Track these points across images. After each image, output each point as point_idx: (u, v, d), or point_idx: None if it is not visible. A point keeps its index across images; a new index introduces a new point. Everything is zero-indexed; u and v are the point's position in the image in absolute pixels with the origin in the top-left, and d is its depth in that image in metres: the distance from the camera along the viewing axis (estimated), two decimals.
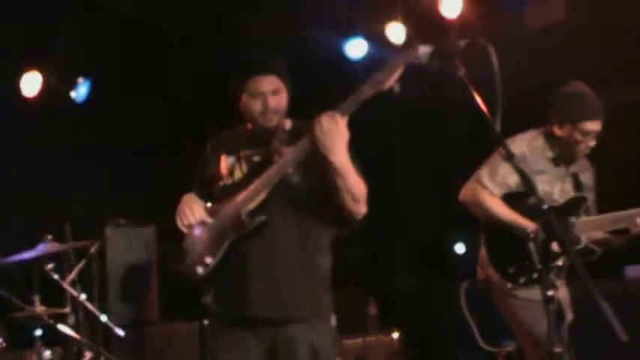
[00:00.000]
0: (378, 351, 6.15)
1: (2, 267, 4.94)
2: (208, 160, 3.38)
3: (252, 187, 3.17)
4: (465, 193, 4.10)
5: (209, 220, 3.23)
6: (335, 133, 3.02)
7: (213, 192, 3.30)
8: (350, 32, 6.30)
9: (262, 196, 3.16)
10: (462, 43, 2.75)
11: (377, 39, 6.34)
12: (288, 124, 3.28)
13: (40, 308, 4.89)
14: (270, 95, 3.22)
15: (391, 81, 3.02)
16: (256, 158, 3.27)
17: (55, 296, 5.22)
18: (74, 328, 5.09)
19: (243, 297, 3.19)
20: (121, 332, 5.04)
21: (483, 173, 4.02)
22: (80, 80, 6.47)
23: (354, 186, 3.14)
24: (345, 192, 3.12)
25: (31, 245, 4.99)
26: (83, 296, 5.10)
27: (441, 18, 5.98)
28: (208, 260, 3.23)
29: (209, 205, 3.28)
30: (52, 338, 4.97)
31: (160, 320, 5.95)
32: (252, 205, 3.16)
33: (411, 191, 6.94)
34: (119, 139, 6.44)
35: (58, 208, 6.08)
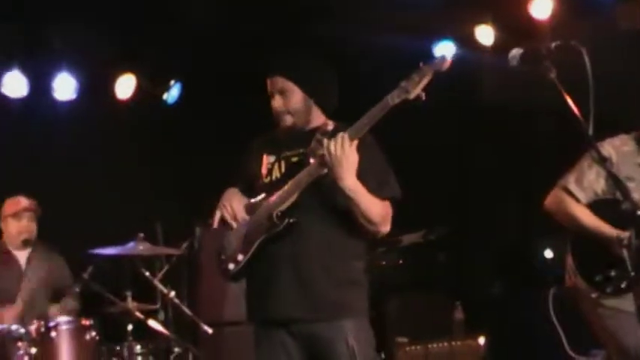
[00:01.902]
0: (464, 356, 6.08)
1: (97, 264, 5.07)
2: (252, 157, 3.43)
3: (285, 188, 3.20)
4: (549, 202, 4.00)
5: (246, 217, 3.27)
6: (341, 159, 3.03)
7: (255, 190, 3.34)
8: (439, 35, 6.26)
9: (294, 197, 3.19)
10: (553, 44, 2.72)
11: (466, 41, 6.29)
12: (330, 125, 3.29)
13: (131, 304, 5.02)
14: (276, 96, 3.28)
15: (418, 90, 3.01)
16: (294, 159, 3.30)
17: (146, 293, 5.35)
18: (164, 324, 5.21)
19: (273, 297, 3.23)
20: (208, 330, 5.13)
21: (570, 179, 3.92)
22: (172, 82, 6.61)
23: (367, 209, 3.14)
24: (358, 214, 3.14)
25: (123, 243, 5.13)
26: (173, 293, 5.20)
27: (532, 19, 5.90)
28: (239, 257, 3.28)
29: (249, 201, 3.31)
30: (143, 333, 5.09)
31: (247, 319, 6.03)
32: (284, 206, 3.19)
33: (499, 196, 6.85)
34: (210, 139, 6.55)
35: (150, 207, 6.24)
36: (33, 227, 5.57)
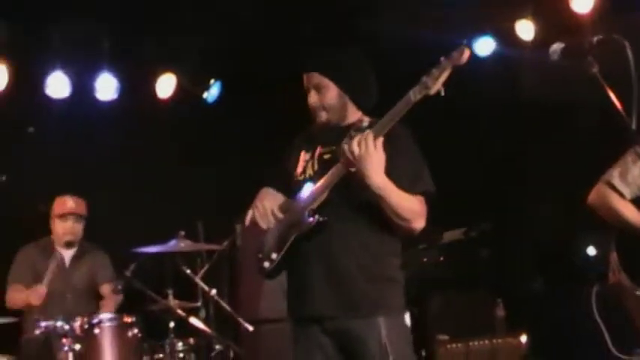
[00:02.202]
0: (505, 354, 6.04)
1: (139, 261, 5.12)
2: (291, 154, 3.44)
3: (317, 186, 3.21)
4: (593, 197, 3.94)
5: (280, 215, 3.27)
6: (366, 157, 3.02)
7: (292, 187, 3.34)
8: (478, 30, 6.22)
9: (325, 195, 3.19)
10: (595, 39, 2.68)
11: (506, 37, 6.24)
12: (366, 121, 3.27)
13: (173, 302, 5.07)
14: (311, 91, 3.28)
15: (439, 84, 2.99)
16: (326, 156, 3.30)
17: (187, 290, 5.39)
18: (205, 321, 5.25)
19: (305, 295, 3.23)
20: (249, 327, 5.15)
21: (614, 174, 3.86)
22: (212, 81, 6.64)
23: (397, 206, 3.11)
24: (389, 211, 3.12)
25: (165, 241, 5.18)
26: (214, 291, 5.23)
27: (573, 14, 5.83)
28: (274, 256, 3.29)
29: (285, 200, 3.32)
30: (184, 330, 5.13)
31: (288, 317, 6.04)
32: (315, 204, 3.19)
33: (542, 192, 6.78)
34: (250, 138, 6.58)
35: (191, 205, 6.29)
36: (78, 229, 5.65)
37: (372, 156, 3.02)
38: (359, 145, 3.02)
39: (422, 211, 3.18)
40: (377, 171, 3.04)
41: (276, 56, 6.03)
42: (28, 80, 6.09)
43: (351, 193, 3.17)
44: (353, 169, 3.10)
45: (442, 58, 2.99)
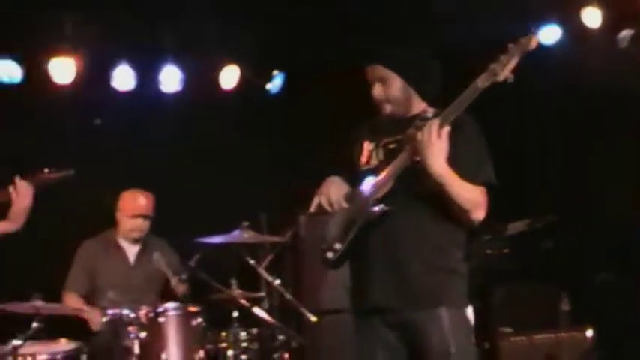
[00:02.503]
0: (570, 348, 5.95)
1: (203, 252, 5.18)
2: (354, 145, 3.43)
3: (381, 176, 3.19)
4: None
5: (345, 205, 3.26)
6: (429, 145, 3.02)
7: (356, 178, 3.34)
8: (544, 19, 6.12)
9: (389, 185, 3.17)
10: None
11: (571, 25, 6.12)
12: (430, 111, 3.27)
13: (236, 291, 5.12)
14: (375, 84, 3.27)
15: (506, 71, 2.97)
16: (391, 146, 3.28)
17: (250, 281, 5.43)
18: (268, 311, 5.28)
19: (369, 285, 3.22)
20: (312, 318, 5.17)
21: None
22: (275, 72, 6.67)
23: (458, 195, 3.10)
24: (450, 201, 3.10)
25: (229, 231, 5.22)
26: (277, 281, 5.26)
27: None
28: (337, 246, 3.28)
29: (349, 190, 3.31)
30: (248, 320, 5.17)
31: (350, 308, 6.03)
32: (380, 194, 3.18)
33: (608, 182, 6.65)
34: (313, 129, 6.58)
35: (254, 196, 6.33)
36: (146, 226, 5.69)
37: (434, 144, 3.02)
38: (425, 132, 3.03)
39: (482, 203, 3.17)
40: (438, 159, 3.04)
41: (339, 47, 6.01)
42: (94, 73, 6.19)
43: (416, 183, 3.16)
44: (418, 159, 3.09)
45: (510, 45, 2.97)
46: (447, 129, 3.03)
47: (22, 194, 4.01)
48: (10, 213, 4.03)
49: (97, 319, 5.23)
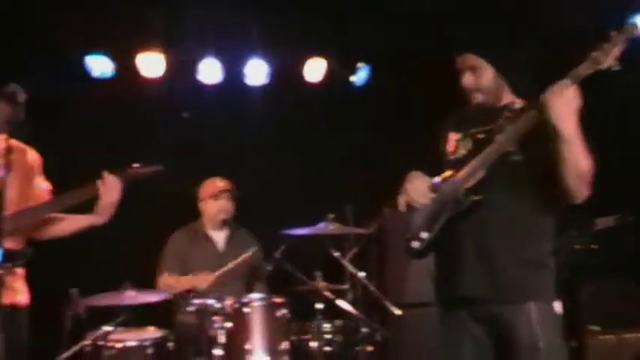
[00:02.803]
0: None
1: (288, 243, 5.22)
2: (441, 135, 3.40)
3: (471, 165, 3.15)
4: None
5: (430, 195, 3.22)
6: (565, 101, 2.93)
7: (442, 168, 3.30)
8: (636, 5, 5.92)
9: (480, 174, 3.13)
10: None
11: None
12: (518, 102, 3.22)
13: (321, 284, 5.14)
14: (466, 73, 3.24)
15: (610, 60, 2.90)
16: (480, 136, 3.24)
17: (335, 273, 5.44)
18: (352, 304, 5.28)
19: (457, 276, 3.18)
20: (397, 311, 5.15)
21: None
22: (360, 65, 6.65)
23: (580, 159, 2.99)
24: (571, 164, 2.99)
25: (314, 223, 5.24)
26: (362, 274, 5.26)
27: None
28: (424, 235, 3.25)
29: (434, 180, 3.27)
30: (332, 312, 5.18)
31: (434, 301, 5.99)
32: (470, 184, 3.14)
33: None
34: (398, 121, 6.55)
35: (339, 188, 6.33)
36: (230, 207, 5.81)
37: (571, 101, 2.95)
38: (559, 88, 2.97)
39: (590, 178, 3.08)
40: (572, 116, 2.96)
41: (425, 39, 5.96)
42: (181, 67, 6.29)
43: (508, 173, 3.13)
44: (512, 148, 3.04)
45: (613, 33, 2.90)
46: (575, 87, 2.96)
47: (110, 188, 4.08)
48: (97, 206, 4.12)
49: (202, 281, 5.34)
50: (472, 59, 3.24)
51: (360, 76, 6.68)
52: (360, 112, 6.66)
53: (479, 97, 3.27)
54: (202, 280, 5.36)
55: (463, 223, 3.18)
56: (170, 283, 5.51)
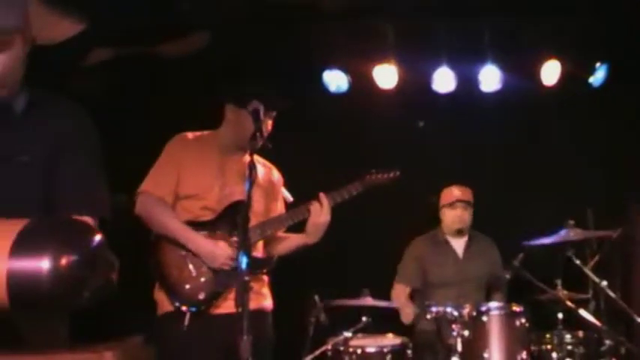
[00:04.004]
0: None
1: (527, 251, 5.13)
2: None
3: None
4: None
5: None
6: None
7: None
8: None
9: None
10: None
11: None
12: None
13: (561, 292, 5.00)
14: None
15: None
16: None
17: (576, 281, 5.27)
18: (595, 314, 5.09)
19: None
20: None
21: None
22: (597, 65, 6.40)
23: None
24: None
25: (553, 230, 5.11)
26: (604, 283, 5.05)
27: None
28: None
29: None
30: (573, 322, 5.02)
31: None
32: None
33: None
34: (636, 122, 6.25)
35: (579, 192, 6.13)
36: (466, 216, 5.81)
37: None
38: None
39: None
40: None
41: None
42: (415, 77, 6.37)
43: None
44: None
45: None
46: None
47: (318, 210, 4.21)
48: (307, 227, 4.25)
49: (407, 315, 5.45)
50: None
51: (598, 76, 6.42)
52: (597, 113, 6.40)
53: None
54: (407, 315, 5.41)
55: None
56: (395, 297, 5.64)
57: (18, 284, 1.76)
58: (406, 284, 5.79)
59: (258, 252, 4.24)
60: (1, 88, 2.56)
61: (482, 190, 5.91)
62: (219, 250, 4.05)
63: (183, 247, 4.09)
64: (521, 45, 6.15)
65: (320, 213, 4.19)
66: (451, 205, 5.81)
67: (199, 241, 4.07)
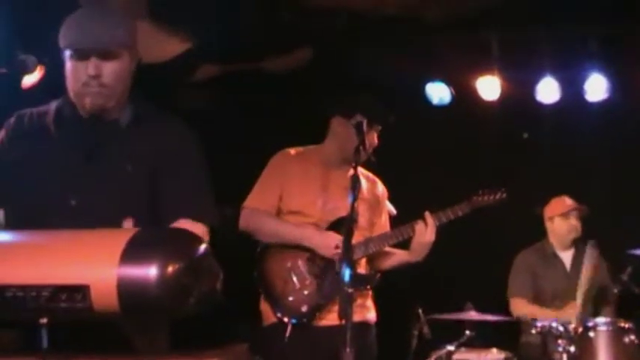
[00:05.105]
0: None
1: (636, 264, 5.00)
2: None
3: None
4: None
5: None
6: None
7: None
8: None
9: None
10: None
11: None
12: None
13: None
14: None
15: None
16: None
17: None
18: None
19: None
20: None
21: None
22: None
23: None
24: None
25: None
26: None
27: None
28: None
29: None
30: None
31: None
32: None
33: None
34: None
35: None
36: (579, 226, 5.74)
37: None
38: None
39: None
40: None
41: None
42: (519, 88, 6.30)
43: None
44: None
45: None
46: None
47: (423, 230, 4.18)
48: (412, 245, 4.22)
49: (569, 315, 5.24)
50: None
51: None
52: None
53: None
54: (569, 314, 5.27)
55: None
56: (526, 312, 5.51)
57: (127, 290, 1.86)
58: (523, 297, 5.70)
59: (362, 268, 4.25)
60: (110, 98, 2.71)
61: (589, 200, 5.81)
62: (330, 239, 4.06)
63: (287, 259, 4.14)
64: (628, 53, 6.01)
65: (425, 232, 4.16)
66: (565, 215, 5.73)
67: (312, 235, 4.09)
